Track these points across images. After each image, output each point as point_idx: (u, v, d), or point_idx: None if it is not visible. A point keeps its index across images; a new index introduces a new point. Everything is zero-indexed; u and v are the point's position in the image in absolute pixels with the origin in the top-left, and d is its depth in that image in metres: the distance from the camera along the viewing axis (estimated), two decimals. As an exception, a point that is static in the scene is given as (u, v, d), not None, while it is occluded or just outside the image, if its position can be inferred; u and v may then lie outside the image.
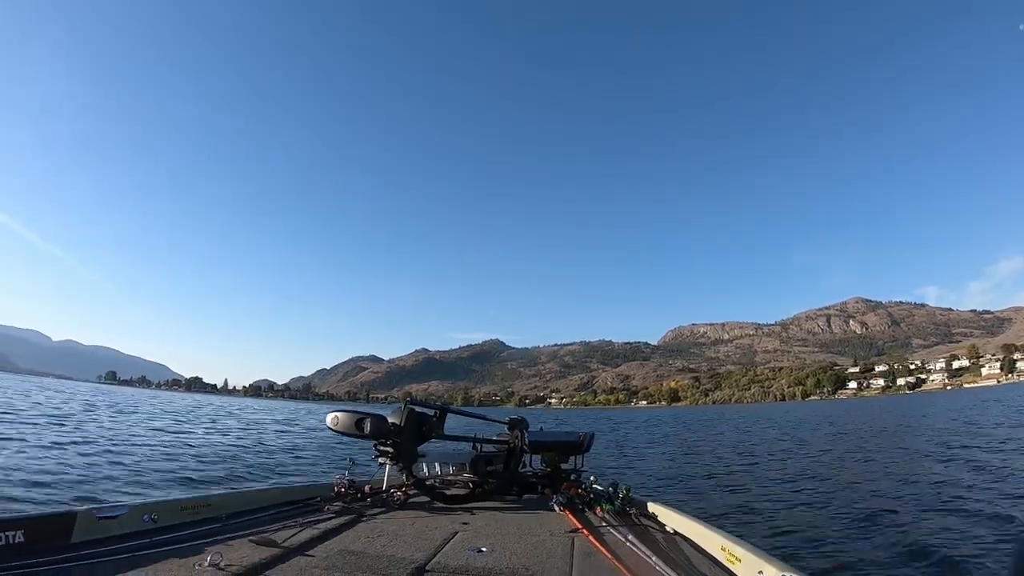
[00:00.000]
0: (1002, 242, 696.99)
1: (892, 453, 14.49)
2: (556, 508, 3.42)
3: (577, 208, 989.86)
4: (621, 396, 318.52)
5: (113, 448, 12.34)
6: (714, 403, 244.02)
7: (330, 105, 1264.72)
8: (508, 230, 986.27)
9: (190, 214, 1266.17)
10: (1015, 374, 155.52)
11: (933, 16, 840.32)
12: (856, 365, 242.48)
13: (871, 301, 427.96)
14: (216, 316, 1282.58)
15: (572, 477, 4.18)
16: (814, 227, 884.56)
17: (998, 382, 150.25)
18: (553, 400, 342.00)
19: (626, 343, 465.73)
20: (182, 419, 26.08)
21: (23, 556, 2.01)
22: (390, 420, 3.57)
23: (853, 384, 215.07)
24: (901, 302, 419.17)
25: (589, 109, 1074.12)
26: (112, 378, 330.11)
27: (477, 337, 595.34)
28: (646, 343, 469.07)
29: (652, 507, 3.42)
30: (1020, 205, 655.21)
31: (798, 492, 8.99)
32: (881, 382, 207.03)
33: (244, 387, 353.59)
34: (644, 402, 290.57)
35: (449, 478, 4.13)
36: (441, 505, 3.57)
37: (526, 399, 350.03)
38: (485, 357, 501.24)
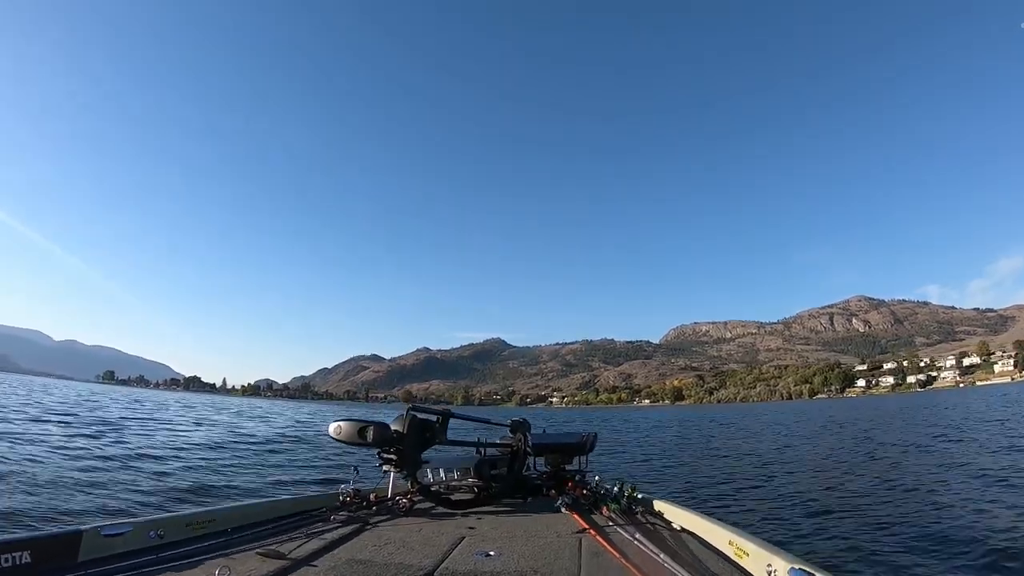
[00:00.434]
0: (1003, 241, 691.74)
1: (926, 455, 13.06)
2: (562, 509, 3.40)
3: (578, 207, 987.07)
4: (623, 395, 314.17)
5: None
6: (719, 402, 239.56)
7: (330, 105, 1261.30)
8: (510, 229, 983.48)
9: (192, 214, 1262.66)
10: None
11: (933, 16, 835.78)
12: (864, 363, 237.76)
13: (874, 299, 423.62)
14: (218, 316, 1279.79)
15: (577, 478, 4.16)
16: (815, 226, 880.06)
17: (1012, 379, 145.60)
18: (554, 399, 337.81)
19: (628, 342, 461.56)
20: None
21: None
22: (393, 427, 3.54)
23: (862, 382, 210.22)
24: (904, 300, 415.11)
25: (590, 109, 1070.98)
26: (110, 378, 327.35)
27: (479, 336, 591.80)
28: (648, 342, 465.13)
29: (658, 505, 3.42)
30: (1020, 204, 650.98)
31: (830, 492, 8.56)
32: (891, 380, 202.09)
33: (242, 386, 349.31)
34: (647, 401, 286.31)
35: (454, 483, 4.07)
36: (447, 511, 3.54)
37: (527, 398, 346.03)
38: (487, 356, 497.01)
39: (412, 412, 3.67)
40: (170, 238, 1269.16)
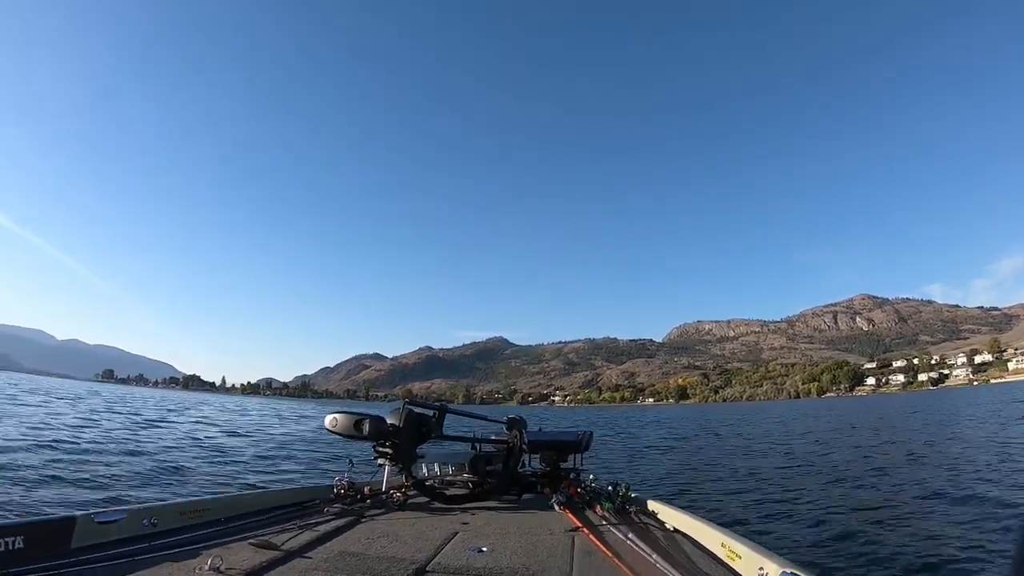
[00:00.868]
0: (1006, 240, 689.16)
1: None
2: (556, 507, 3.39)
3: (581, 206, 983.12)
4: (627, 394, 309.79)
5: None
6: (724, 401, 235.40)
7: (333, 104, 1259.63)
8: (512, 228, 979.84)
9: (195, 214, 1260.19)
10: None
11: (933, 16, 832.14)
12: (873, 361, 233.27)
13: (877, 298, 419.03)
14: (222, 316, 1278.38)
15: (571, 476, 4.13)
16: (818, 225, 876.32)
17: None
18: (556, 398, 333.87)
19: (631, 340, 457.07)
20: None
21: (23, 562, 1.99)
22: (389, 421, 3.51)
23: (871, 380, 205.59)
24: (908, 299, 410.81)
25: (593, 108, 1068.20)
26: (109, 376, 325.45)
27: (481, 335, 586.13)
28: (651, 340, 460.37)
29: (652, 505, 3.38)
30: (1022, 203, 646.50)
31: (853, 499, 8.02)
32: (901, 378, 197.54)
33: (241, 385, 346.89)
34: (651, 400, 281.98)
35: (448, 478, 4.06)
36: (441, 505, 3.53)
37: (529, 397, 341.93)
38: (489, 355, 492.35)
39: (408, 406, 3.63)
40: (174, 238, 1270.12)
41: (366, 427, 3.37)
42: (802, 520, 6.89)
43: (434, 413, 3.76)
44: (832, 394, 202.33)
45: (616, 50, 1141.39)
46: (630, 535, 2.69)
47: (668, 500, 3.42)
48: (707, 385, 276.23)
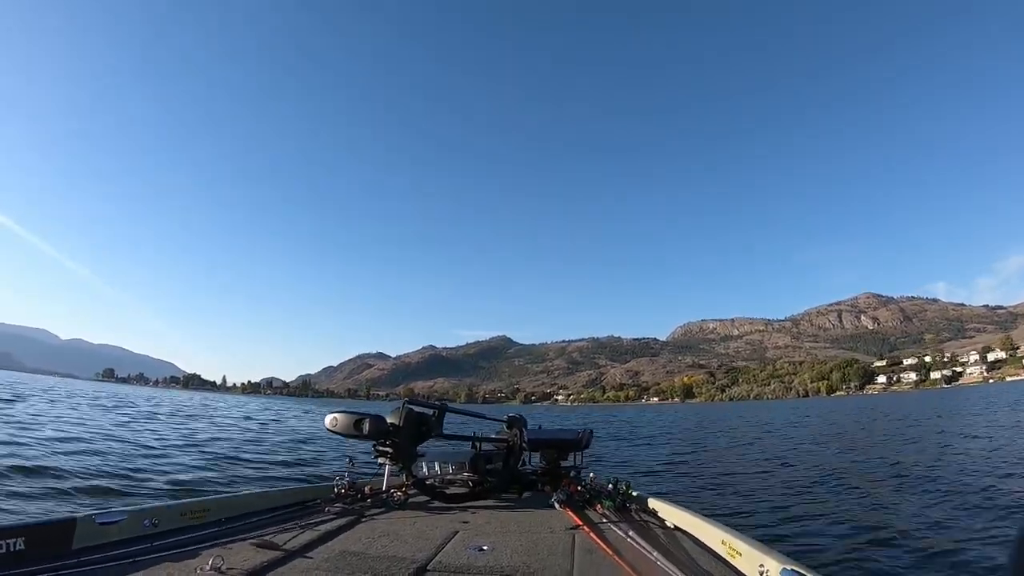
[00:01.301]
0: (1010, 238, 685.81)
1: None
2: (556, 505, 3.37)
3: (585, 206, 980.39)
4: (631, 392, 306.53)
5: None
6: (731, 399, 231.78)
7: (336, 104, 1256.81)
8: (516, 228, 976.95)
9: (198, 214, 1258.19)
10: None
11: (934, 16, 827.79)
12: (883, 359, 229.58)
13: (882, 296, 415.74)
14: (226, 315, 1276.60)
15: (572, 474, 4.12)
16: (821, 223, 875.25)
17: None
18: (560, 397, 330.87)
19: (635, 339, 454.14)
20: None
21: (24, 563, 1.98)
22: (389, 420, 3.51)
23: (882, 378, 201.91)
24: (913, 297, 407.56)
25: (595, 108, 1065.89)
26: (110, 375, 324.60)
27: (485, 334, 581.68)
28: (655, 339, 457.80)
29: (652, 503, 3.37)
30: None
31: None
32: (913, 376, 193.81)
33: (242, 384, 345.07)
34: (656, 399, 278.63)
35: (449, 477, 4.06)
36: (441, 504, 3.51)
37: (532, 396, 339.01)
38: (492, 354, 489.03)
39: (408, 405, 3.62)
40: (177, 238, 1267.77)
41: (366, 426, 3.36)
42: (815, 521, 6.73)
43: (434, 412, 3.74)
44: (842, 393, 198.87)
45: (618, 50, 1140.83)
46: (631, 533, 2.68)
47: (668, 498, 3.41)
48: (713, 384, 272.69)
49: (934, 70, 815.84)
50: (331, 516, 3.02)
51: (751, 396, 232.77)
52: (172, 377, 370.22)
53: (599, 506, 3.32)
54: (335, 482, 3.60)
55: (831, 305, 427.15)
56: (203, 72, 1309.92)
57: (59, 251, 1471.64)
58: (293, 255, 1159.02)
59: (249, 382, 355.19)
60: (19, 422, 14.38)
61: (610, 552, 2.33)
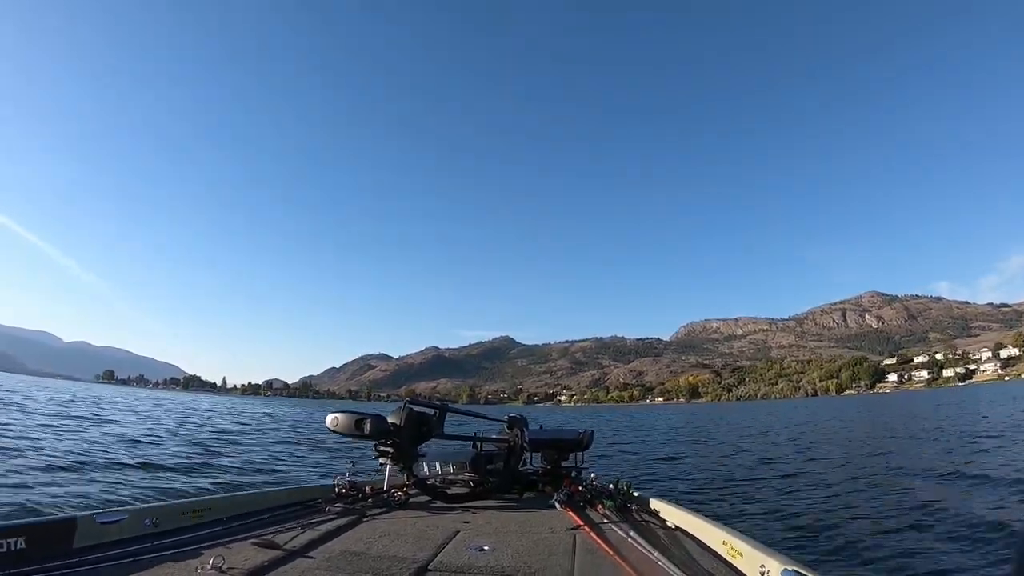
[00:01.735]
0: (1013, 237, 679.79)
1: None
2: (557, 505, 3.34)
3: (588, 205, 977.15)
4: (635, 393, 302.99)
5: None
6: (738, 399, 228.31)
7: (337, 104, 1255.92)
8: (519, 228, 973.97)
9: (201, 216, 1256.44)
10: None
11: (936, 15, 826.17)
12: (892, 357, 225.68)
13: (886, 295, 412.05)
14: (229, 317, 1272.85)
15: (572, 474, 4.08)
16: (824, 222, 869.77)
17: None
18: (563, 397, 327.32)
19: (638, 339, 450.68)
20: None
21: (25, 563, 1.96)
22: (390, 420, 3.49)
23: (893, 377, 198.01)
24: (917, 295, 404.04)
25: (598, 108, 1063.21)
26: (110, 377, 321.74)
27: (487, 334, 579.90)
28: (659, 339, 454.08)
29: (653, 503, 3.34)
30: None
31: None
32: (925, 374, 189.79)
33: (242, 386, 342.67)
34: (661, 399, 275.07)
35: (450, 477, 4.04)
36: (442, 504, 3.49)
37: (535, 396, 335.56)
38: (495, 354, 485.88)
39: (409, 405, 3.61)
40: (181, 240, 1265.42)
41: (367, 426, 3.35)
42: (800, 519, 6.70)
43: (435, 412, 3.73)
44: (852, 391, 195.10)
45: (620, 50, 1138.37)
46: (632, 533, 2.66)
47: (670, 498, 3.40)
48: (719, 383, 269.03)
49: (937, 69, 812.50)
50: (332, 516, 3.01)
51: (758, 395, 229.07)
52: (172, 379, 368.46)
53: (600, 506, 3.29)
54: (336, 482, 3.58)
55: (835, 304, 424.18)
56: (204, 73, 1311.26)
57: (62, 253, 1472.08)
58: (296, 256, 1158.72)
59: (249, 383, 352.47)
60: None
61: (611, 552, 2.33)
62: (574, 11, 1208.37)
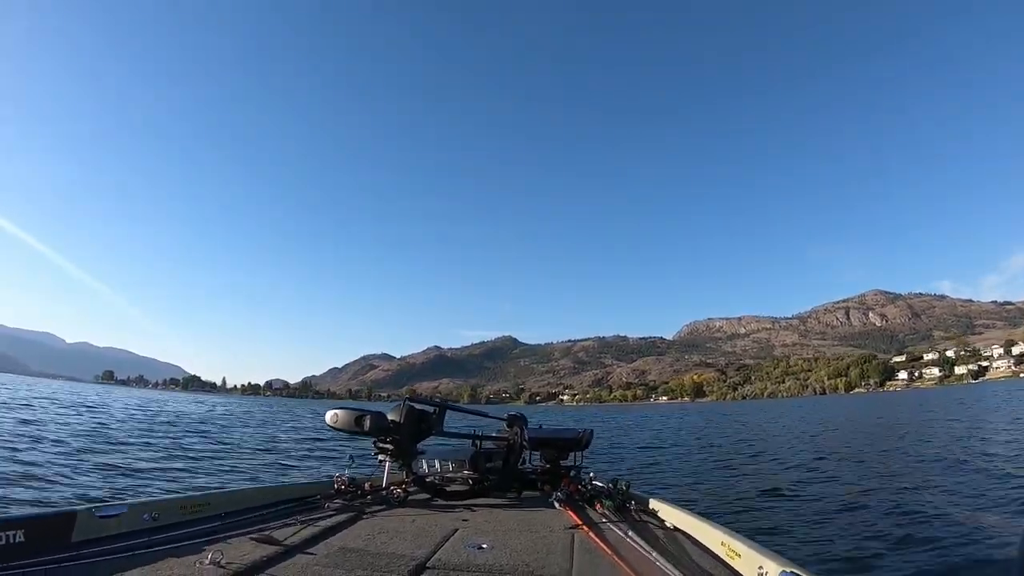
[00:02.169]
0: (1014, 237, 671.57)
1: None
2: (556, 504, 3.33)
3: (590, 205, 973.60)
4: (639, 392, 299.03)
5: None
6: (743, 398, 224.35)
7: (337, 105, 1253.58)
8: (521, 227, 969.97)
9: (204, 216, 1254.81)
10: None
11: (939, 14, 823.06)
12: (900, 354, 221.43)
13: (890, 293, 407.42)
14: (232, 318, 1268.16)
15: (572, 473, 4.08)
16: (827, 221, 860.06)
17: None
18: (565, 397, 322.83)
19: (641, 338, 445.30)
20: None
21: (23, 556, 1.96)
22: (389, 417, 3.50)
23: (903, 374, 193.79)
24: (921, 294, 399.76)
25: (600, 106, 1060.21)
26: (110, 377, 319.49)
27: (490, 334, 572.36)
28: (661, 338, 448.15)
29: (652, 503, 3.33)
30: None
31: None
32: (936, 371, 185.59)
33: (242, 386, 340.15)
34: (664, 398, 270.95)
35: (449, 475, 3.99)
36: (441, 502, 3.49)
37: (537, 396, 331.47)
38: (498, 354, 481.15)
39: (409, 403, 3.62)
40: (184, 240, 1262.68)
41: (367, 423, 3.35)
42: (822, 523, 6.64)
43: (435, 410, 3.74)
44: (861, 390, 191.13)
45: (622, 49, 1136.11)
46: (630, 533, 2.64)
47: (668, 498, 3.39)
48: (724, 382, 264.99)
49: (939, 68, 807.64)
50: (331, 512, 2.99)
51: (765, 394, 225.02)
52: (172, 379, 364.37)
53: (599, 506, 3.27)
54: (335, 478, 3.57)
55: (838, 302, 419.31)
56: (204, 73, 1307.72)
57: (62, 255, 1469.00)
58: (298, 257, 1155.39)
59: (249, 383, 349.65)
60: None
61: (609, 552, 2.31)
62: (574, 11, 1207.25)
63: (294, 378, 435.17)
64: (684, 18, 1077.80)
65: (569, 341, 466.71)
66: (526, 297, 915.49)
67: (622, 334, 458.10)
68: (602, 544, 2.42)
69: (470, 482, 3.79)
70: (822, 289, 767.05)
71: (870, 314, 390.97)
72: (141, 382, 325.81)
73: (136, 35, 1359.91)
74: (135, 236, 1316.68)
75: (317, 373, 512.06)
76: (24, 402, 25.57)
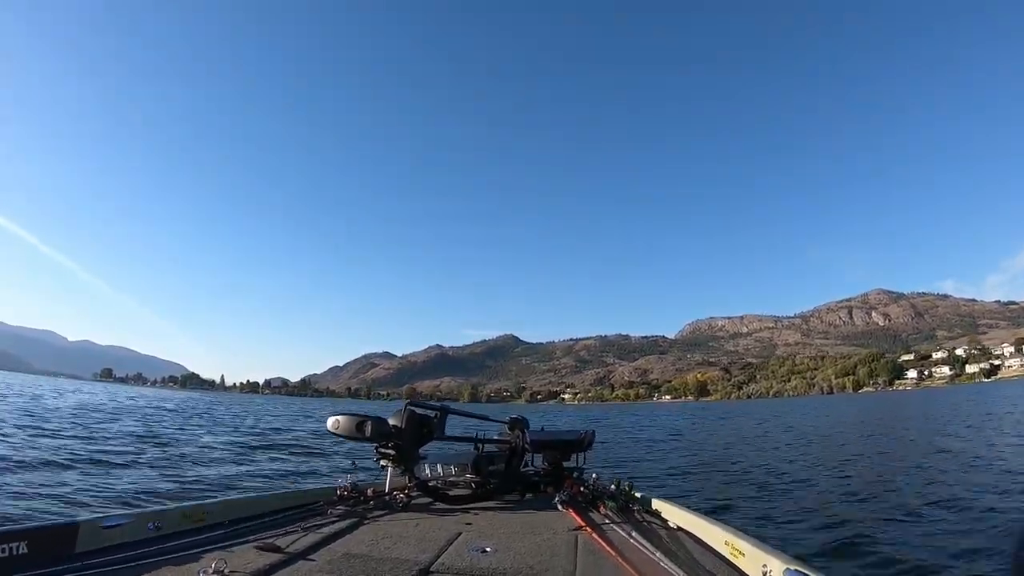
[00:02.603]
0: (1017, 236, 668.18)
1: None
2: (559, 506, 3.25)
3: (591, 203, 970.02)
4: (641, 391, 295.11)
5: None
6: (749, 397, 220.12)
7: (337, 103, 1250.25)
8: (523, 226, 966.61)
9: (206, 215, 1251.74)
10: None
11: (942, 13, 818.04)
12: (909, 353, 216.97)
13: (893, 292, 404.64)
14: (234, 316, 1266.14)
15: (574, 475, 3.99)
16: (829, 220, 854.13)
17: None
18: (566, 396, 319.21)
19: (643, 337, 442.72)
20: None
21: (27, 567, 1.93)
22: (391, 422, 3.42)
23: (913, 373, 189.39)
24: (924, 293, 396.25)
25: (601, 105, 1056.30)
26: (108, 375, 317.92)
27: (491, 333, 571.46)
28: (663, 337, 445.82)
29: (655, 503, 3.31)
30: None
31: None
32: (947, 370, 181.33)
33: (240, 384, 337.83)
34: (668, 397, 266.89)
35: (451, 479, 3.96)
36: (444, 506, 3.43)
37: (538, 395, 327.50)
38: (499, 353, 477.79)
39: (410, 407, 3.56)
40: (186, 239, 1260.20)
41: (368, 428, 3.30)
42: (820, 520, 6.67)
43: (435, 414, 3.68)
44: (870, 388, 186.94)
45: (623, 48, 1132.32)
46: (634, 534, 2.61)
47: (672, 498, 3.36)
48: (729, 380, 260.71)
49: (942, 67, 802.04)
50: (333, 518, 2.96)
51: (770, 393, 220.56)
52: (170, 377, 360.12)
53: (602, 507, 3.23)
54: (337, 484, 3.53)
55: (841, 302, 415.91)
56: (207, 73, 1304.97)
57: (64, 254, 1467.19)
58: (299, 256, 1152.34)
59: (247, 381, 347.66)
60: None
61: (613, 553, 2.29)
62: (574, 10, 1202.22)
63: (296, 377, 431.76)
64: (685, 17, 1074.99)
65: (571, 340, 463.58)
66: (528, 296, 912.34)
67: (624, 333, 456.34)
68: (606, 545, 2.41)
69: (472, 486, 3.76)
70: (824, 288, 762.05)
71: (873, 313, 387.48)
72: (139, 379, 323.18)
73: (138, 33, 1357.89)
74: (137, 235, 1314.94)
75: (319, 371, 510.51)
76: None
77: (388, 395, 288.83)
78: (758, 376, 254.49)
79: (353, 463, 3.90)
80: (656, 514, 3.17)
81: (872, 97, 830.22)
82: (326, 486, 3.66)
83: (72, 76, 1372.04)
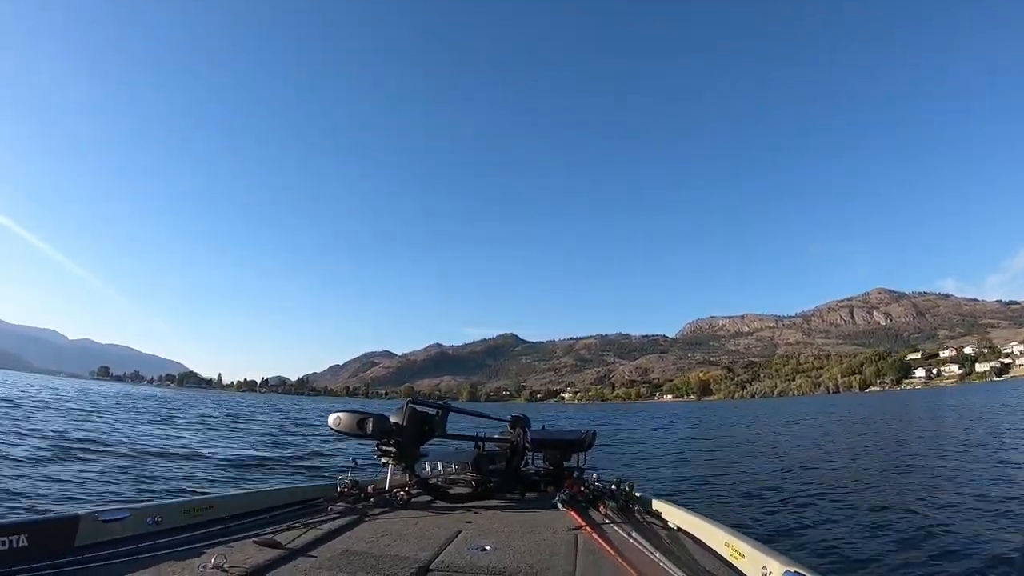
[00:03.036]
0: (1019, 235, 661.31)
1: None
2: (559, 506, 3.27)
3: (592, 202, 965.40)
4: (642, 390, 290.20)
5: None
6: (752, 396, 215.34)
7: (337, 103, 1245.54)
8: (523, 225, 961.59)
9: (206, 214, 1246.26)
10: None
11: (940, 14, 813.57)
12: (916, 351, 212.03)
13: (894, 292, 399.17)
14: (234, 315, 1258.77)
15: (575, 475, 4.03)
16: (830, 219, 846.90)
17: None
18: (566, 395, 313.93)
19: (644, 336, 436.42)
20: None
21: (27, 560, 1.93)
22: (392, 420, 3.44)
23: (921, 372, 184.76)
24: (925, 293, 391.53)
25: (599, 105, 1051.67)
26: (105, 373, 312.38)
27: (491, 332, 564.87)
28: (664, 336, 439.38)
29: (656, 504, 3.30)
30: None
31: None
32: (956, 368, 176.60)
33: (237, 382, 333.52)
34: (669, 396, 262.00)
35: (452, 477, 4.01)
36: (444, 504, 3.46)
37: (537, 394, 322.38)
38: (499, 352, 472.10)
39: (411, 405, 3.58)
40: (187, 239, 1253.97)
41: (369, 426, 3.30)
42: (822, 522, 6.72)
43: (437, 412, 3.68)
44: (877, 388, 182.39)
45: (623, 48, 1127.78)
46: (634, 534, 2.61)
47: (672, 499, 3.35)
48: (732, 379, 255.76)
49: (943, 67, 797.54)
50: (334, 515, 2.96)
51: (775, 392, 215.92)
52: (167, 375, 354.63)
53: (602, 507, 3.23)
54: (338, 481, 3.54)
55: (842, 301, 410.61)
56: (208, 72, 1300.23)
57: (64, 253, 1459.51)
58: (300, 255, 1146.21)
59: (245, 380, 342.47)
60: None
61: (613, 553, 2.28)
62: (574, 9, 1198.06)
63: (295, 375, 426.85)
64: (685, 17, 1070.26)
65: (571, 339, 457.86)
66: (528, 295, 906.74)
67: (624, 332, 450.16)
68: (606, 545, 2.40)
69: (473, 484, 3.75)
70: (825, 288, 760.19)
71: (874, 313, 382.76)
72: (136, 378, 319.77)
73: (139, 32, 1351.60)
74: (136, 235, 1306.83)
75: (318, 370, 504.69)
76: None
77: (387, 394, 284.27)
78: (762, 375, 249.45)
79: (354, 460, 3.86)
80: (656, 514, 3.14)
81: (873, 96, 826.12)
82: (327, 483, 3.63)
83: (74, 72, 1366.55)
